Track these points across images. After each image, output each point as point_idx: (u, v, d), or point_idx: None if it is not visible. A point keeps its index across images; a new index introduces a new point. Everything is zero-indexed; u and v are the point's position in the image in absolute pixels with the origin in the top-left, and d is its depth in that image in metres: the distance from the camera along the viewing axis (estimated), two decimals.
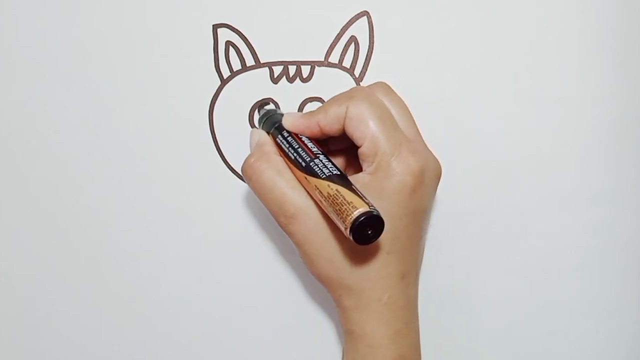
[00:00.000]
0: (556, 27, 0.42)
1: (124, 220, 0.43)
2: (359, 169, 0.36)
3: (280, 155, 0.36)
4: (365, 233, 0.31)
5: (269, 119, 0.39)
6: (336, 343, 0.44)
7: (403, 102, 0.37)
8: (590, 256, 0.44)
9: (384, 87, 0.37)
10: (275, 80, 0.42)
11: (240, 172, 0.42)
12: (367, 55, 0.42)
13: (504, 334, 0.44)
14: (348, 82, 0.42)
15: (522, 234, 0.43)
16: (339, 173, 0.33)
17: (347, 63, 0.42)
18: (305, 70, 0.42)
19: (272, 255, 0.43)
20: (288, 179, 0.35)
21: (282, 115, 0.38)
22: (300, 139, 0.36)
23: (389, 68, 0.42)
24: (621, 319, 0.44)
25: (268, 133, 0.38)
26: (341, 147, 0.39)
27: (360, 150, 0.35)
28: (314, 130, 0.36)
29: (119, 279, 0.43)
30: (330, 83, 0.42)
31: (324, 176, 0.33)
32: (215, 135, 0.42)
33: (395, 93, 0.37)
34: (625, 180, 0.43)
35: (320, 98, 0.42)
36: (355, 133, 0.35)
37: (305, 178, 0.34)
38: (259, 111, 0.41)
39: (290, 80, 0.42)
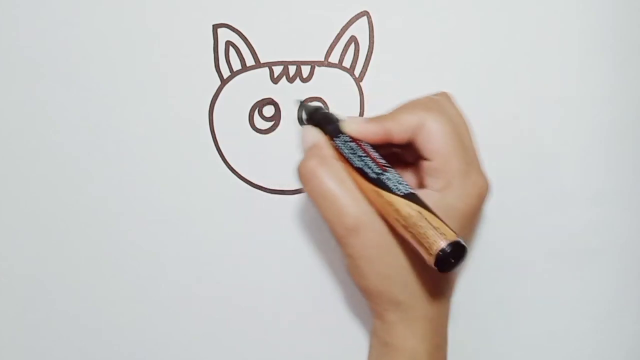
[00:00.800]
0: (556, 27, 0.42)
1: (124, 220, 0.43)
2: None
3: (339, 161, 0.34)
4: (448, 261, 0.29)
5: (323, 118, 0.36)
6: (336, 343, 0.44)
7: (464, 115, 0.36)
8: (590, 256, 0.44)
9: (450, 100, 0.36)
10: (275, 80, 0.42)
11: (239, 172, 0.42)
12: (367, 55, 0.42)
13: (504, 334, 0.44)
14: (348, 82, 0.42)
15: (522, 234, 0.43)
16: (413, 192, 0.32)
17: (347, 63, 0.42)
18: (305, 70, 0.42)
19: (272, 255, 0.43)
20: (350, 188, 0.33)
21: (333, 115, 0.36)
22: (362, 146, 0.34)
23: (389, 68, 0.41)
24: (621, 319, 0.44)
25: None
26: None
27: (428, 164, 0.34)
28: (380, 138, 0.34)
29: (119, 279, 0.43)
30: (330, 83, 0.42)
31: (401, 194, 0.31)
32: (215, 135, 0.42)
33: (457, 106, 0.36)
34: (625, 180, 0.43)
35: (320, 98, 0.42)
36: (428, 146, 0.34)
37: (375, 191, 0.32)
38: (302, 105, 0.40)
39: (290, 80, 0.42)
